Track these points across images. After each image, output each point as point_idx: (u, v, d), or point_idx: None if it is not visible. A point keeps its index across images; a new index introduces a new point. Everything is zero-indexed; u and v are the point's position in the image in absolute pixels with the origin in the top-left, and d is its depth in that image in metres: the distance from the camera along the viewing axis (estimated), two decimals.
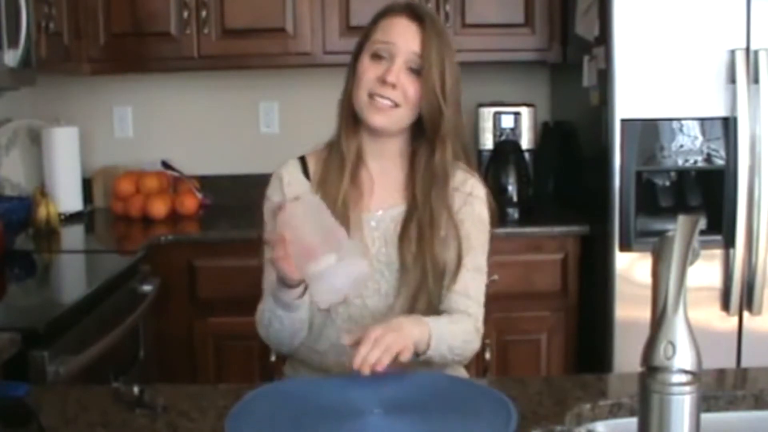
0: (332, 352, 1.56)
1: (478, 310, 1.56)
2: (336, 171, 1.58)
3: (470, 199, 1.60)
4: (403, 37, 1.54)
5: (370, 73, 1.53)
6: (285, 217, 1.31)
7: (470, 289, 1.55)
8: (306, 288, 1.39)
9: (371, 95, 1.53)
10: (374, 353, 1.26)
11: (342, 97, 1.61)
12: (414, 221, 1.55)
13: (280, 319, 1.46)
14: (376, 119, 1.54)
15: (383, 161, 1.61)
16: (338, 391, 1.21)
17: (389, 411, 1.13)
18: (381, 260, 1.55)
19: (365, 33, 1.59)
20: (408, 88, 1.53)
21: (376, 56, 1.54)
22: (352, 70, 1.59)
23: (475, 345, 1.54)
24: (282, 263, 1.32)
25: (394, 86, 1.51)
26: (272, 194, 1.62)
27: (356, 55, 1.59)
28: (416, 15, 1.56)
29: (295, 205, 1.32)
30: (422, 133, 1.58)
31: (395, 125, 1.56)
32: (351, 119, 1.59)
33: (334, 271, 1.25)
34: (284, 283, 1.38)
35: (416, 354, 1.37)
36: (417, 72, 1.53)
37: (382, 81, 1.52)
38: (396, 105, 1.53)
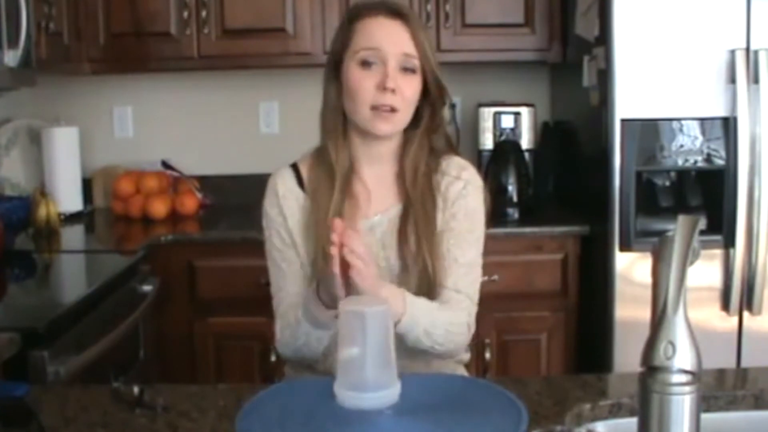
0: (334, 357, 1.55)
1: (470, 306, 1.54)
2: (327, 182, 1.55)
3: (465, 191, 1.57)
4: (390, 39, 1.50)
5: (367, 83, 1.49)
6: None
7: (461, 284, 1.53)
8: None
9: (374, 107, 1.49)
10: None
11: (324, 109, 1.57)
12: (410, 220, 1.54)
13: (318, 340, 1.46)
14: (382, 128, 1.51)
15: (377, 166, 1.59)
16: None
17: (400, 412, 1.12)
18: (381, 265, 1.53)
19: (342, 40, 1.55)
20: (405, 90, 1.50)
21: (365, 63, 1.50)
22: (333, 80, 1.55)
23: (462, 339, 1.52)
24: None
25: (393, 91, 1.48)
26: (270, 209, 1.60)
27: (336, 63, 1.55)
28: (394, 12, 1.52)
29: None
30: (412, 126, 1.57)
31: (397, 129, 1.55)
32: (340, 130, 1.56)
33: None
34: (326, 304, 1.37)
35: None
36: (410, 70, 1.51)
37: (382, 88, 1.48)
38: (395, 110, 1.50)
